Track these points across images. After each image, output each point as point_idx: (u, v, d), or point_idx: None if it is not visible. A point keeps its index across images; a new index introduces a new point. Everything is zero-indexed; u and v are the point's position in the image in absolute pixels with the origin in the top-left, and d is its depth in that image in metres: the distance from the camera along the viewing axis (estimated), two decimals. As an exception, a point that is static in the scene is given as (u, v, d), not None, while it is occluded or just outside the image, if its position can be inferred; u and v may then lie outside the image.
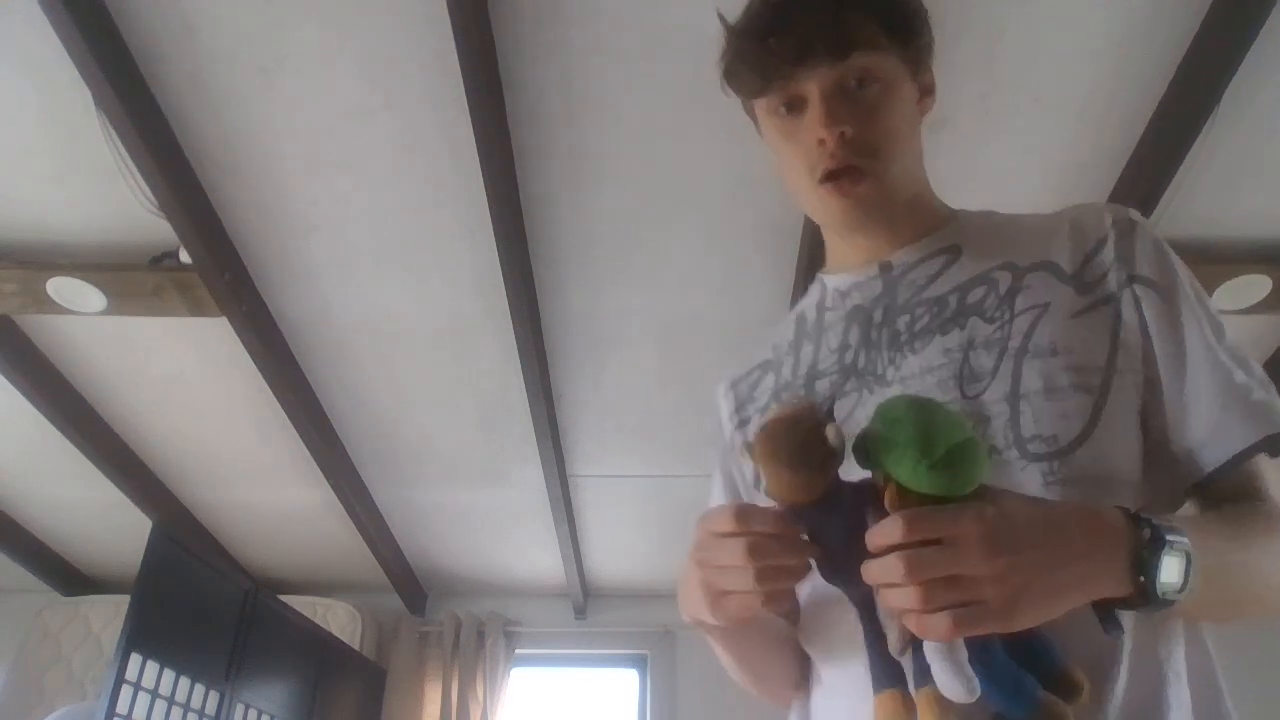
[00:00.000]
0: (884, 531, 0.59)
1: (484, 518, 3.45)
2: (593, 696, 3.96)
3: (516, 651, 3.80)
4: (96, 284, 2.25)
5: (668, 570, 3.55)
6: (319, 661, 3.11)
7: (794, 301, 1.21)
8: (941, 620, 0.57)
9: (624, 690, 3.86)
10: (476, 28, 1.72)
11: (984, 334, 0.80)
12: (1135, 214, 0.84)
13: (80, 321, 2.47)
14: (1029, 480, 0.73)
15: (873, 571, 0.60)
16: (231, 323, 2.38)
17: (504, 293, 2.33)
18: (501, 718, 3.64)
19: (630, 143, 2.02)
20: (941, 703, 0.59)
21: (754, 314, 2.43)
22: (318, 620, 3.33)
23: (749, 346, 1.02)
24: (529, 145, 2.02)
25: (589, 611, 3.93)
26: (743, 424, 0.95)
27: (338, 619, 3.57)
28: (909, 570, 0.57)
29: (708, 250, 2.30)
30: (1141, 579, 0.61)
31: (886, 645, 0.63)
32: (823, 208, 0.85)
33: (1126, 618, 0.65)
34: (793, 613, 0.86)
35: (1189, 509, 0.79)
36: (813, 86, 0.81)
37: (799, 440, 0.61)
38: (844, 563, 0.62)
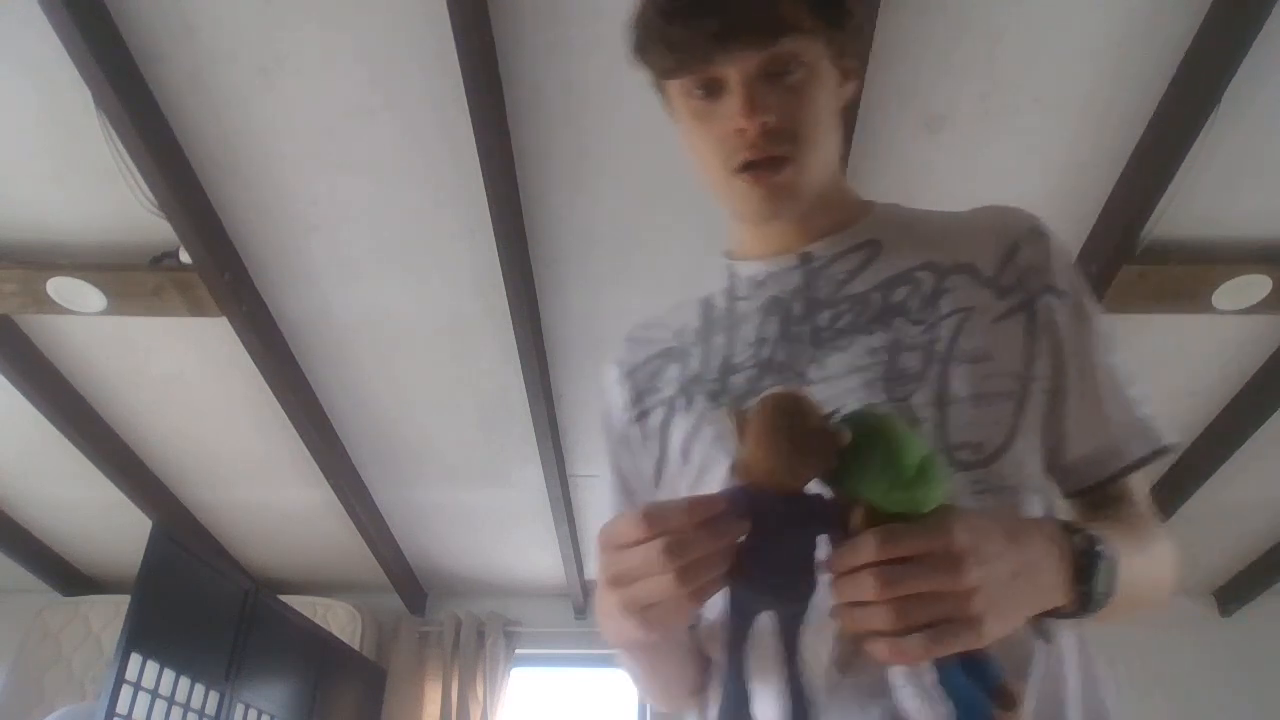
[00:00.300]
0: (857, 549, 0.57)
1: (484, 518, 3.45)
2: (593, 696, 3.96)
3: (516, 651, 3.80)
4: (96, 284, 2.25)
5: (668, 570, 3.55)
6: (319, 661, 3.11)
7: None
8: (915, 642, 0.56)
9: (624, 690, 3.86)
10: (476, 28, 1.72)
11: (910, 336, 0.78)
12: (1043, 223, 0.84)
13: (80, 321, 2.47)
14: (958, 489, 0.72)
15: (845, 589, 0.58)
16: (231, 323, 2.38)
17: (504, 293, 2.33)
18: (501, 718, 3.64)
19: (630, 143, 2.02)
20: None
21: (754, 314, 2.43)
22: (318, 620, 3.33)
23: (637, 330, 0.96)
24: (529, 145, 2.02)
25: (589, 611, 3.93)
26: (642, 415, 0.89)
27: (338, 619, 3.57)
28: (884, 587, 0.56)
29: (707, 250, 2.28)
30: (1082, 588, 0.63)
31: (798, 665, 0.61)
32: (738, 197, 0.81)
33: (1054, 623, 0.66)
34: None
35: (1067, 512, 0.82)
36: (734, 71, 0.75)
37: (814, 424, 0.58)
38: (784, 572, 0.60)
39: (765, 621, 0.62)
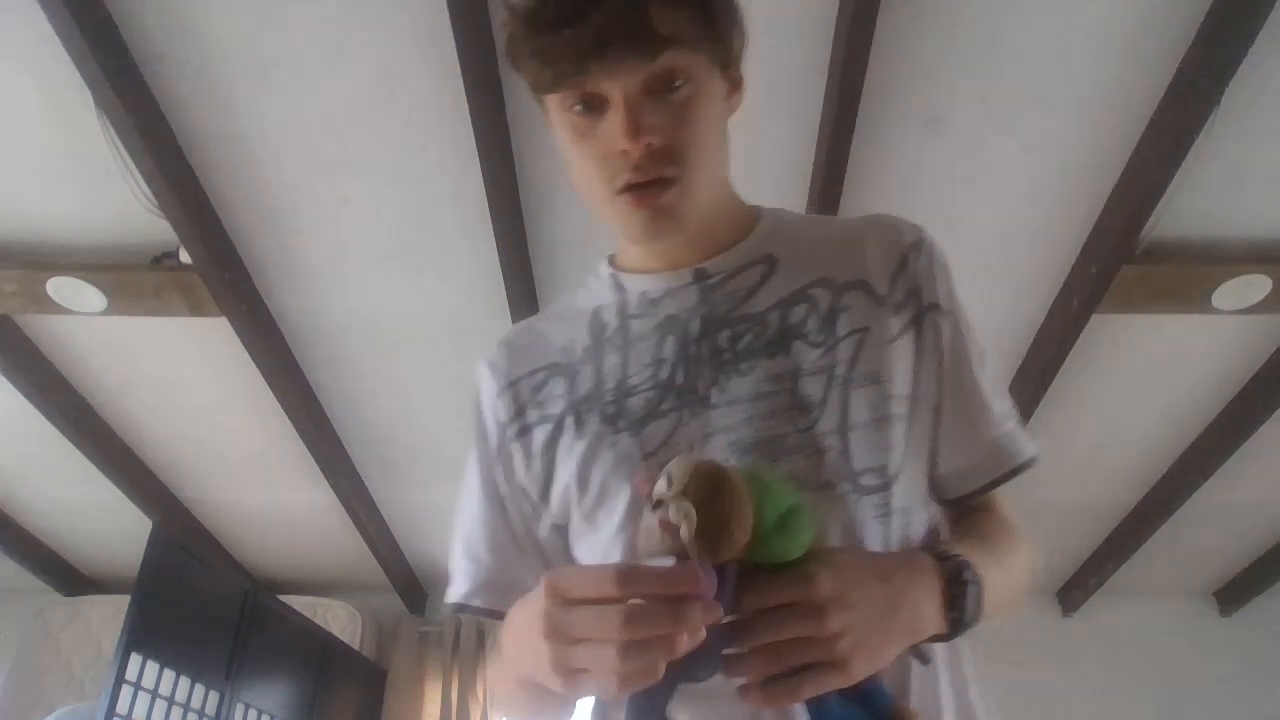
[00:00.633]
0: (721, 605, 0.56)
1: (484, 518, 3.44)
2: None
3: (516, 651, 3.80)
4: (96, 284, 2.25)
5: (668, 570, 3.54)
6: (319, 661, 3.11)
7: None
8: (784, 687, 0.58)
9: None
10: (476, 28, 1.72)
11: (809, 360, 0.77)
12: (926, 232, 0.84)
13: (80, 321, 2.47)
14: (863, 513, 0.73)
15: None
16: (231, 323, 2.38)
17: (504, 293, 2.33)
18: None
19: (630, 143, 2.02)
20: None
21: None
22: (318, 620, 3.33)
23: (517, 337, 0.91)
24: (529, 145, 2.02)
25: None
26: (524, 431, 0.84)
27: (338, 619, 3.56)
28: (749, 638, 0.58)
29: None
30: (953, 614, 0.66)
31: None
32: (621, 218, 0.77)
33: (929, 646, 0.69)
34: None
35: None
36: (614, 87, 0.71)
37: (743, 494, 0.57)
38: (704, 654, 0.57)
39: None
